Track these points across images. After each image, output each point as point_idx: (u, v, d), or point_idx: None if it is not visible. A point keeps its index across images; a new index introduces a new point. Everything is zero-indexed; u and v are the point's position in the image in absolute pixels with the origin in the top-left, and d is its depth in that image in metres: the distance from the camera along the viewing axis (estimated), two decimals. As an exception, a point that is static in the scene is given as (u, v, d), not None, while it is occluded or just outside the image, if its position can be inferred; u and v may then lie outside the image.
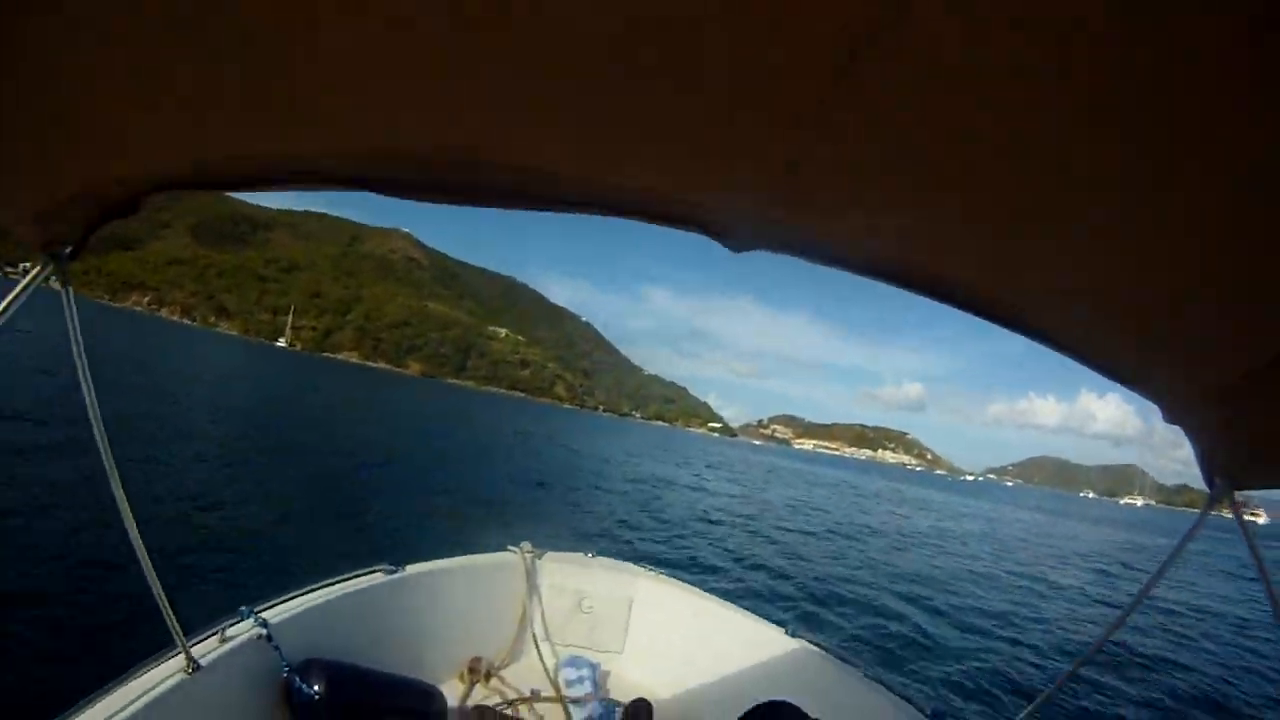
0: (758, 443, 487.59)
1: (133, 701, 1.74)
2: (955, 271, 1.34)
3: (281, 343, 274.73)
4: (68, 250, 1.34)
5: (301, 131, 1.16)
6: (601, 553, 4.23)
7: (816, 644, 3.32)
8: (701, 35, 0.81)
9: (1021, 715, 2.27)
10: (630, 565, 4.15)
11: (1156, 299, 1.19)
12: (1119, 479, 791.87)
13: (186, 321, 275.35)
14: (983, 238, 1.20)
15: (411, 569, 3.27)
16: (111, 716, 1.67)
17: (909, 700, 2.80)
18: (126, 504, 1.72)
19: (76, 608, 6.27)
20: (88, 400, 1.53)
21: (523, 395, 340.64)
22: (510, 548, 3.89)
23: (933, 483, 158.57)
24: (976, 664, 9.62)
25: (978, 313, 1.43)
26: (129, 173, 1.23)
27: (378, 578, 3.07)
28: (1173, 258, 1.05)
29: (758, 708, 2.31)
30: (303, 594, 2.68)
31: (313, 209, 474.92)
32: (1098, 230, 1.05)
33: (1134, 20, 0.67)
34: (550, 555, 3.96)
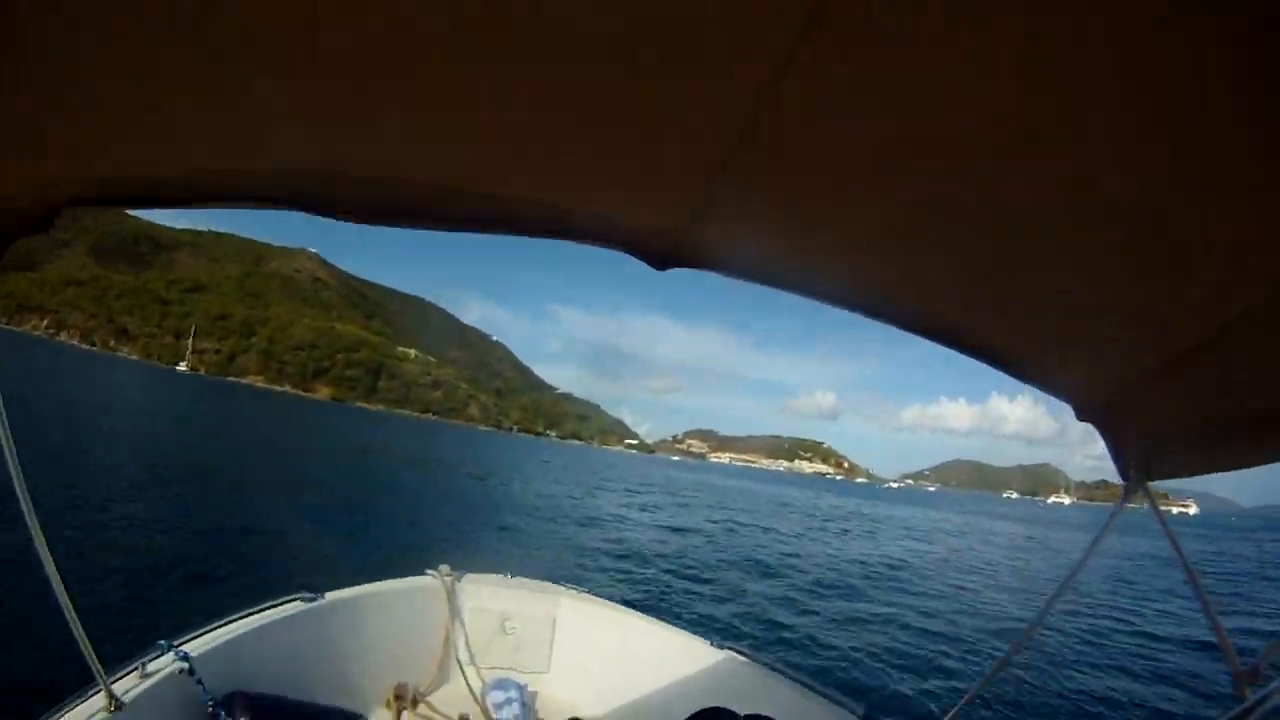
0: (675, 458, 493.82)
1: None
2: (873, 283, 1.40)
3: (182, 367, 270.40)
4: None
5: (238, 148, 1.13)
6: (521, 573, 4.21)
7: (742, 653, 3.37)
8: (635, 47, 0.84)
9: (953, 710, 2.29)
10: (551, 585, 4.13)
11: (1067, 305, 1.24)
12: (1037, 478, 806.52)
13: (86, 346, 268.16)
14: (900, 251, 1.25)
15: (331, 596, 3.24)
16: None
17: (839, 704, 2.81)
18: (41, 535, 1.63)
19: None
20: None
21: (436, 417, 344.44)
22: (429, 571, 3.85)
23: (855, 492, 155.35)
24: (908, 664, 9.74)
25: (896, 322, 1.49)
26: (43, 184, 1.17)
27: (297, 606, 3.02)
28: (1083, 266, 1.10)
29: (699, 715, 2.23)
30: (223, 625, 2.63)
31: (217, 228, 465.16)
32: (1011, 243, 1.11)
33: (1032, 49, 0.72)
34: (470, 577, 3.93)
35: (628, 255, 1.39)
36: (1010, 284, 1.26)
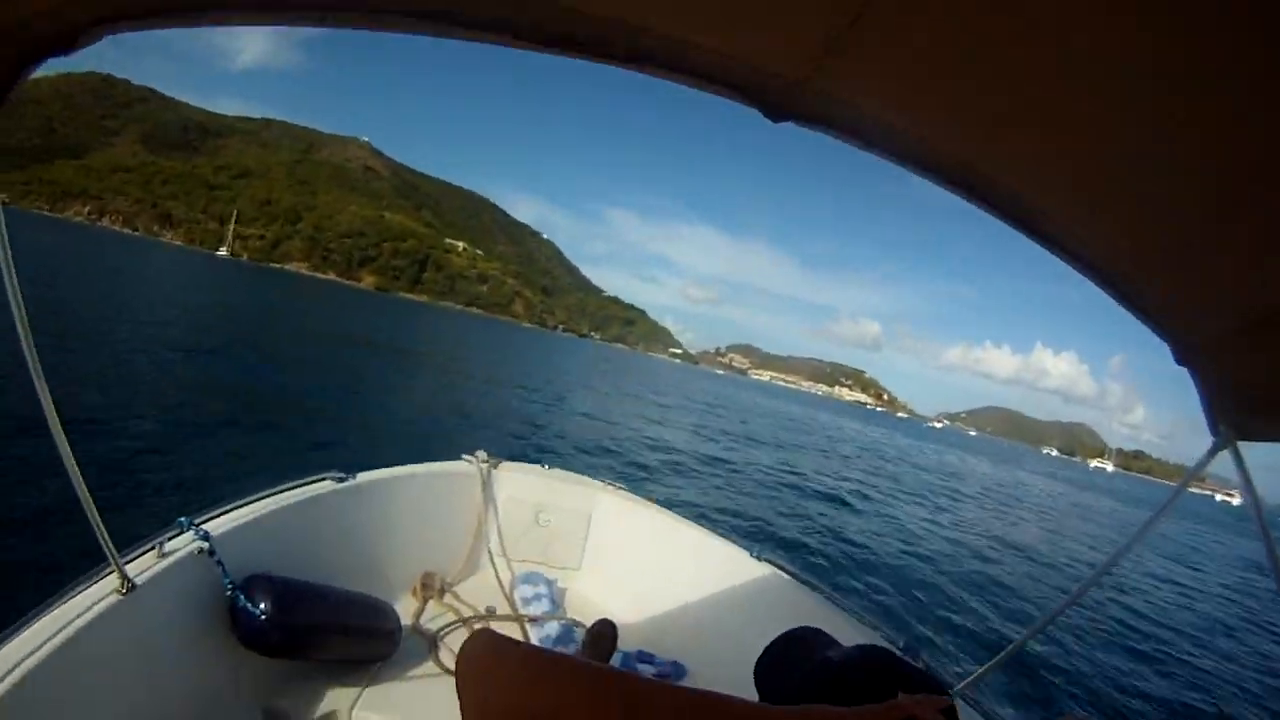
0: (720, 372, 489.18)
1: (62, 629, 1.62)
2: (990, 168, 1.28)
3: (222, 251, 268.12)
4: None
5: None
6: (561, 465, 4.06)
7: (783, 568, 3.14)
8: None
9: (999, 657, 2.16)
10: (589, 479, 3.97)
11: (1192, 231, 1.13)
12: (1072, 438, 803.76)
13: (128, 231, 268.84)
14: (1025, 138, 1.14)
15: (362, 477, 3.10)
16: (40, 646, 1.54)
17: (879, 630, 2.62)
18: (53, 408, 1.55)
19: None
20: (8, 284, 1.35)
21: (480, 311, 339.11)
22: (465, 456, 3.70)
23: (899, 427, 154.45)
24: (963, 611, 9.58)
25: (1005, 214, 1.37)
26: (63, 1, 1.06)
27: (326, 486, 2.88)
28: (1214, 187, 0.99)
29: (792, 632, 1.87)
30: (247, 503, 2.49)
31: (271, 115, 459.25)
32: (1142, 149, 1.01)
33: None
34: (506, 465, 3.78)
35: (742, 104, 1.30)
36: (1134, 191, 1.13)
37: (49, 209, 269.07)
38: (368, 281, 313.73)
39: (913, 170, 1.35)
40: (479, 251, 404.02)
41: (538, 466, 3.94)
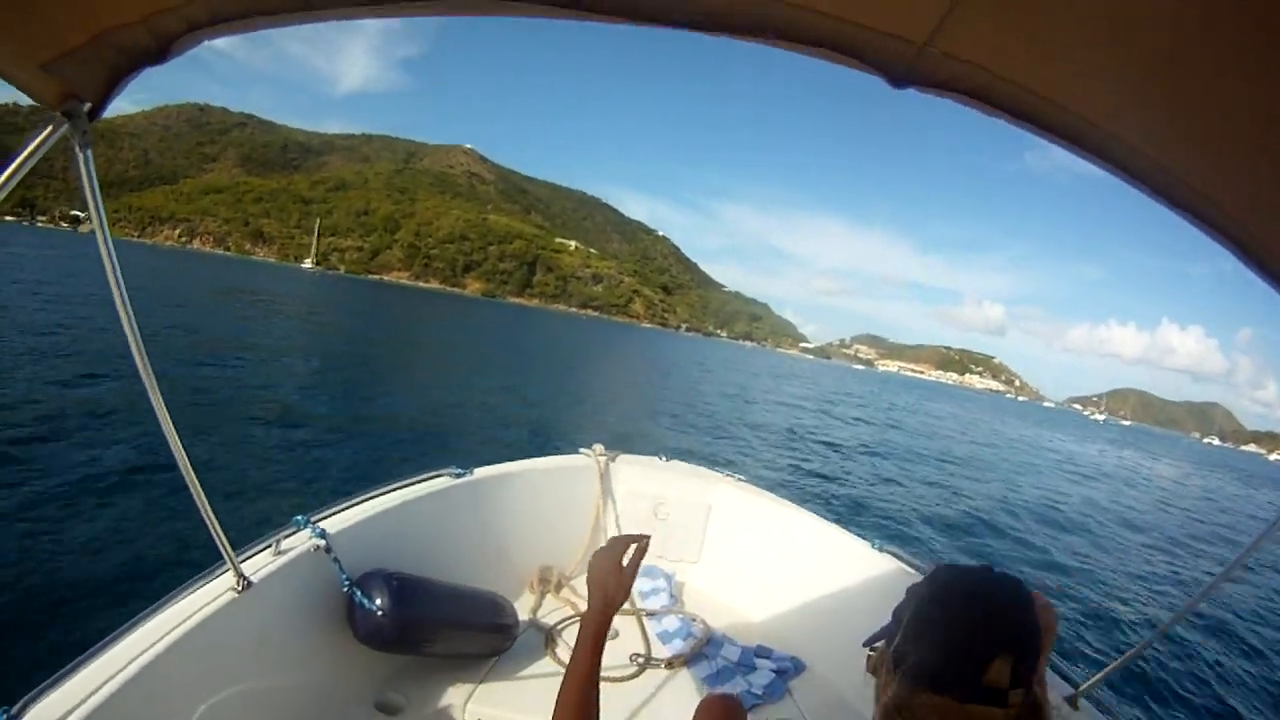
0: (858, 366, 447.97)
1: (179, 624, 1.64)
2: (1121, 127, 1.18)
3: (307, 264, 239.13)
4: (86, 107, 1.16)
5: None
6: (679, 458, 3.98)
7: (904, 560, 3.05)
8: None
9: (1126, 656, 2.10)
10: (708, 470, 3.88)
11: None
12: (1205, 418, 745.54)
13: (219, 251, 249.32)
14: (1162, 95, 1.04)
15: (479, 472, 3.13)
16: (157, 641, 1.57)
17: None
18: (166, 412, 1.55)
19: (120, 530, 6.25)
20: (114, 285, 1.36)
21: (596, 314, 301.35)
22: (583, 450, 3.69)
23: (1061, 422, 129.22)
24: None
25: (1145, 183, 1.27)
26: (155, 10, 1.06)
27: (444, 482, 2.91)
28: None
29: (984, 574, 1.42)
30: (364, 500, 2.51)
31: (373, 131, 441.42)
32: None
33: None
34: (625, 458, 3.73)
35: (864, 71, 1.23)
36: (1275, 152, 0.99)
37: (137, 235, 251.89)
38: (473, 288, 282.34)
39: (1042, 135, 1.28)
40: (592, 250, 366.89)
41: (656, 459, 3.89)
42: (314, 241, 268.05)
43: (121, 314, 1.37)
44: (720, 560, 3.61)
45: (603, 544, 2.97)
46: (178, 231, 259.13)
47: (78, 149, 1.16)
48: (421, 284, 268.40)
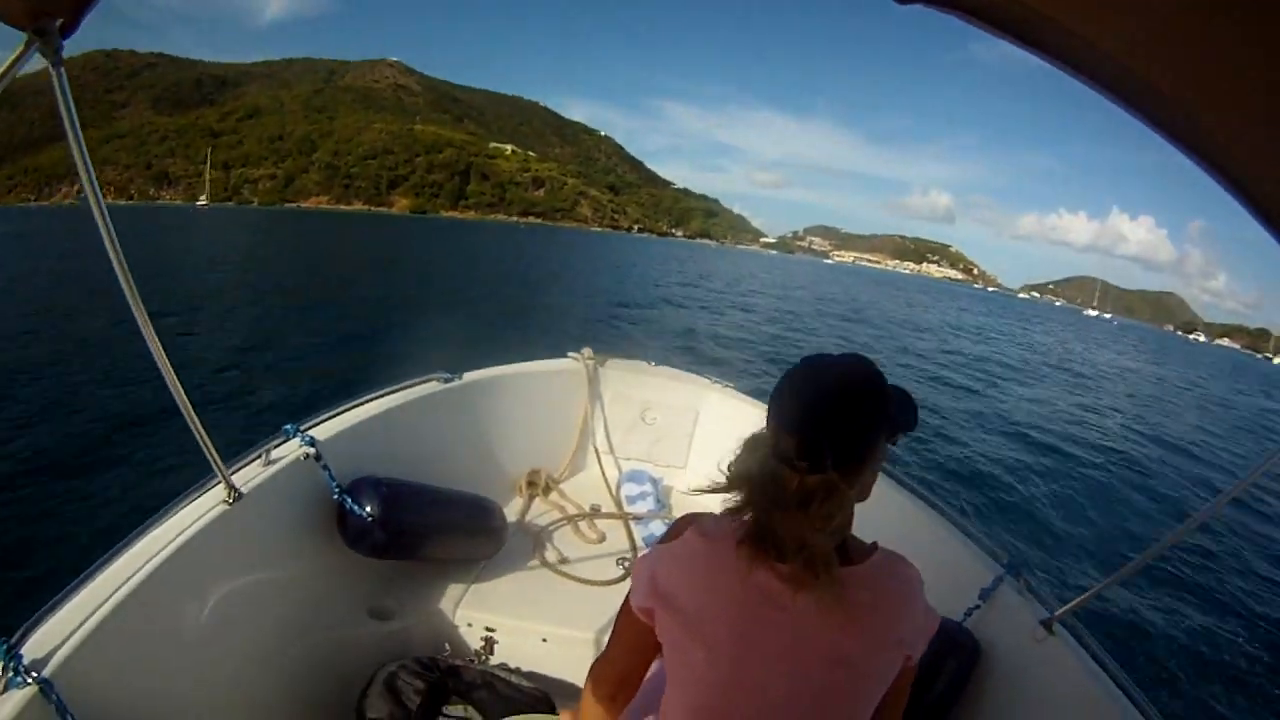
0: (829, 262, 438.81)
1: (170, 541, 1.64)
2: (1163, 73, 1.02)
3: (201, 201, 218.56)
4: (58, 24, 1.14)
5: None
6: (666, 363, 4.03)
7: (894, 478, 3.03)
8: None
9: (1105, 582, 2.04)
10: (696, 376, 3.95)
11: None
12: (1160, 308, 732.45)
13: (122, 202, 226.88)
14: (1214, 33, 0.88)
15: (468, 376, 3.15)
16: (149, 559, 1.57)
17: (984, 548, 2.55)
18: (151, 329, 1.52)
19: (110, 445, 6.72)
20: (94, 206, 1.35)
21: (539, 220, 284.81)
22: (571, 354, 3.72)
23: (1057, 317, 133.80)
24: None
25: (1177, 135, 1.11)
26: None
27: (433, 386, 2.91)
28: None
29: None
30: (353, 407, 2.50)
31: (294, 55, 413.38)
32: None
33: None
34: (613, 363, 3.80)
35: None
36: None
37: (35, 199, 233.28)
38: (401, 205, 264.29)
39: (1067, 71, 1.12)
40: (531, 153, 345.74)
41: (644, 364, 3.90)
42: (206, 175, 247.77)
43: (103, 233, 1.34)
44: (708, 465, 3.32)
45: (591, 447, 3.48)
46: (76, 188, 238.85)
47: (51, 68, 1.12)
48: (343, 207, 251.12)
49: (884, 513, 2.63)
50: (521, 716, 1.95)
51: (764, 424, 1.13)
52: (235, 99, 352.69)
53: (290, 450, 2.12)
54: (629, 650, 1.18)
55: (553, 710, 2.04)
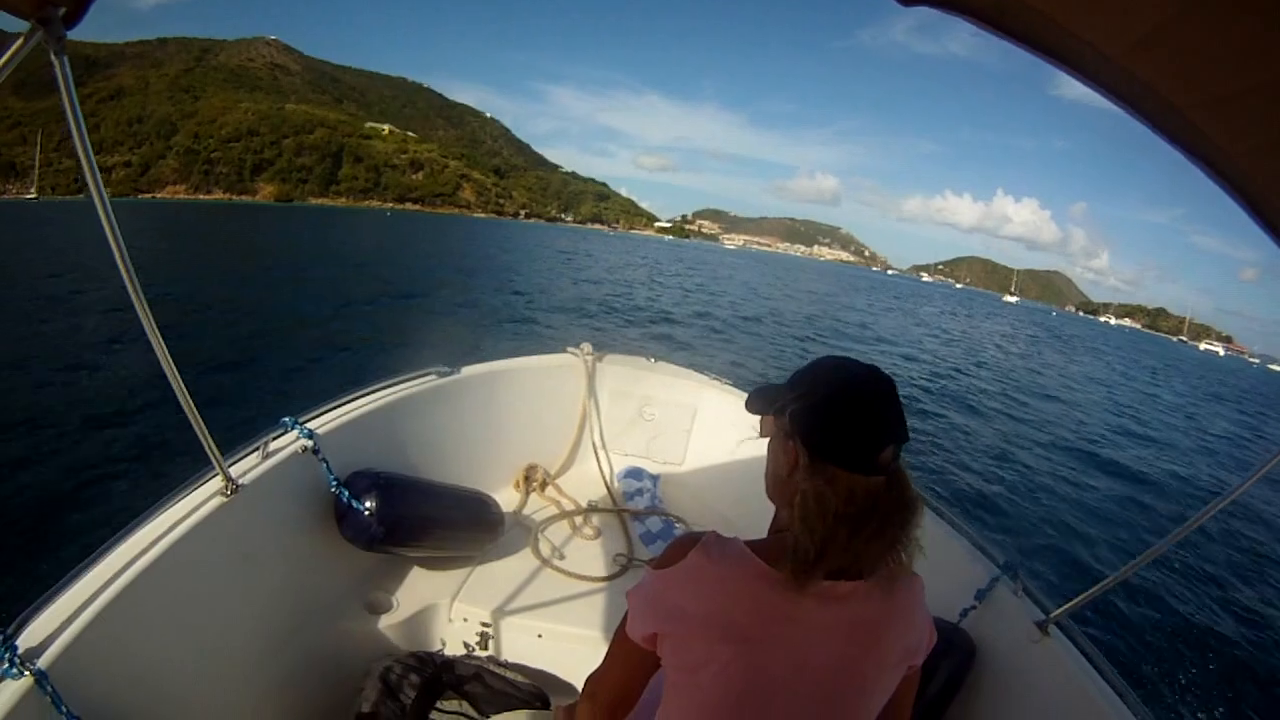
0: (732, 246, 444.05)
1: (167, 532, 1.63)
2: (1163, 74, 1.02)
3: (31, 194, 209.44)
4: (61, 13, 1.14)
5: None
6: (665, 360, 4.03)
7: None
8: None
9: (1102, 585, 1.96)
10: (695, 373, 3.92)
11: None
12: (1047, 286, 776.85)
13: None
14: (1184, 31, 0.89)
15: (466, 371, 3.14)
16: (146, 550, 1.56)
17: (980, 548, 2.52)
18: (152, 320, 1.51)
19: (107, 437, 6.70)
20: (95, 194, 1.34)
21: (417, 207, 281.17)
22: (570, 349, 3.70)
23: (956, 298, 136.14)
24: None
25: (1179, 139, 1.11)
26: None
27: (430, 381, 2.91)
28: None
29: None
30: (351, 400, 2.50)
31: (170, 34, 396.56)
32: None
33: None
34: (612, 358, 3.77)
35: None
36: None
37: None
38: (265, 193, 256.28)
39: (1072, 74, 1.10)
40: (410, 134, 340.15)
41: (643, 360, 3.89)
42: (35, 164, 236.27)
43: (105, 226, 1.34)
44: (705, 463, 3.60)
45: (589, 443, 3.42)
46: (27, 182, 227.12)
47: (53, 57, 1.13)
48: (202, 196, 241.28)
49: None
50: (515, 712, 1.93)
51: (761, 424, 1.19)
52: (105, 80, 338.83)
53: (288, 443, 2.10)
54: (628, 673, 1.15)
55: (546, 705, 2.03)
